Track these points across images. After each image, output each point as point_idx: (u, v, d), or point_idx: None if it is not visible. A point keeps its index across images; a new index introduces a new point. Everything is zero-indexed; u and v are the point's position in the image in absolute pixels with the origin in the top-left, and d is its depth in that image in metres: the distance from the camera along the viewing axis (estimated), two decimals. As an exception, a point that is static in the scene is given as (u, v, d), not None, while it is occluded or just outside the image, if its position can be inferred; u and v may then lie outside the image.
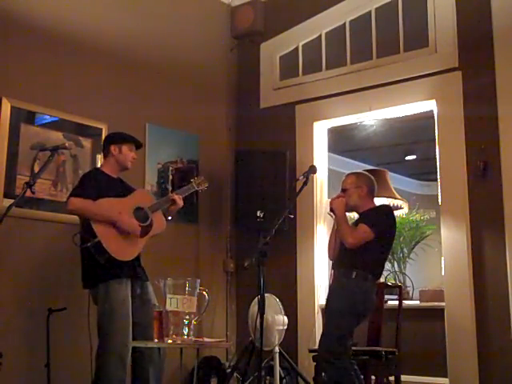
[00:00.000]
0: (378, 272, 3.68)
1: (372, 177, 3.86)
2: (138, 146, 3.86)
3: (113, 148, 3.72)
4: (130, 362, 3.53)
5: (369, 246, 3.56)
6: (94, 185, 3.57)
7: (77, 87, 4.31)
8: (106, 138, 3.91)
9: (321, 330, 4.75)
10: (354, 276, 3.56)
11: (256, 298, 3.86)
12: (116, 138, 3.77)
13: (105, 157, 3.78)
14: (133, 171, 3.94)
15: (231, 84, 5.53)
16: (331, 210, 3.77)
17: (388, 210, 3.79)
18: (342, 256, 3.71)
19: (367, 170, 5.40)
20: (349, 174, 3.87)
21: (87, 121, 4.34)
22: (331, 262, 3.93)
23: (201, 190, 4.06)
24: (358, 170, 4.03)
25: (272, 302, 4.25)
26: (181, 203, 3.79)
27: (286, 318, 4.27)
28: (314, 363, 3.87)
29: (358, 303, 3.54)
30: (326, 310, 3.69)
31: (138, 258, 3.66)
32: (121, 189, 3.73)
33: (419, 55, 4.61)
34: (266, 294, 4.16)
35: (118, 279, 3.49)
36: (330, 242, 3.88)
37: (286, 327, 4.26)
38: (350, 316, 3.52)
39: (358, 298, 3.54)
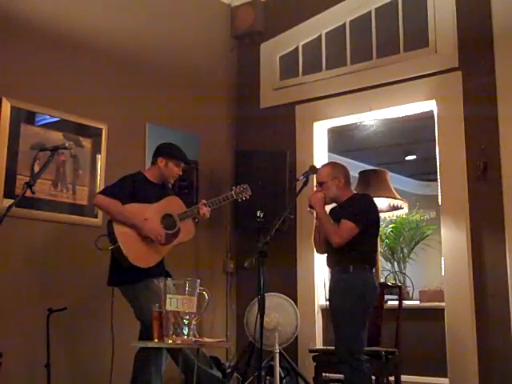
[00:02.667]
0: (373, 260, 3.64)
1: (344, 165, 3.79)
2: (187, 163, 3.91)
3: (160, 160, 3.75)
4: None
5: (358, 238, 3.51)
6: (129, 187, 3.58)
7: (77, 87, 4.31)
8: (158, 147, 3.86)
9: (321, 330, 4.80)
10: (351, 270, 3.53)
11: (255, 299, 3.86)
12: (165, 152, 3.77)
13: (152, 163, 3.82)
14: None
15: (231, 84, 5.53)
16: (310, 206, 3.68)
17: (367, 198, 3.73)
18: (334, 253, 3.65)
19: (367, 170, 5.45)
20: (323, 167, 3.79)
21: (87, 121, 4.34)
22: (325, 260, 3.90)
23: (241, 199, 3.98)
24: (331, 161, 3.95)
25: (284, 303, 4.27)
26: (207, 215, 3.76)
27: (282, 318, 4.27)
28: (314, 363, 3.86)
29: (363, 295, 3.50)
30: (333, 311, 3.57)
31: (162, 264, 3.66)
32: (160, 194, 3.72)
33: (419, 55, 4.61)
34: (276, 294, 4.20)
35: (143, 282, 3.49)
36: (314, 237, 3.81)
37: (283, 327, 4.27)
38: (360, 310, 3.47)
39: (362, 290, 3.50)
